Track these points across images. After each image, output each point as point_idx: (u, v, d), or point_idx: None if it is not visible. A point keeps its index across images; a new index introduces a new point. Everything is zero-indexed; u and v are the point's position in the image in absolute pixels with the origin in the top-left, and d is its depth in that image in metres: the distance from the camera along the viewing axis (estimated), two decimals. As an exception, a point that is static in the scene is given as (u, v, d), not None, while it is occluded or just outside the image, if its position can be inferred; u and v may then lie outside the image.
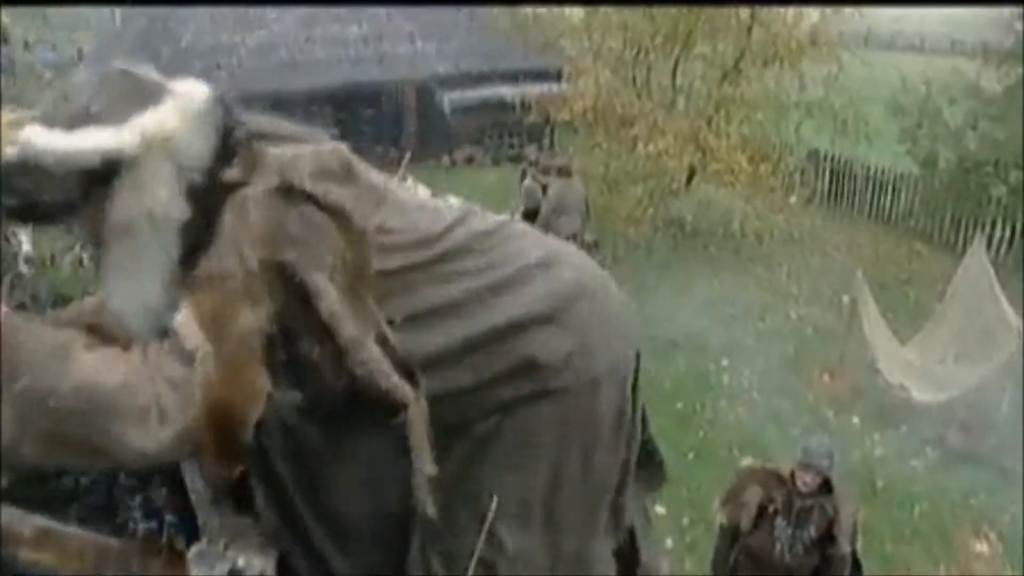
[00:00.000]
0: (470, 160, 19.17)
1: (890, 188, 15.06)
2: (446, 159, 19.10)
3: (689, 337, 10.41)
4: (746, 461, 5.46)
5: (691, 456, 8.10)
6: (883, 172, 15.10)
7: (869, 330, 8.89)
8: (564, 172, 11.17)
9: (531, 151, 14.42)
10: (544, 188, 11.51)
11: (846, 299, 11.65)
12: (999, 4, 14.16)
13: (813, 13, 13.51)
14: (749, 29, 13.15)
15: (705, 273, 12.70)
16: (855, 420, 8.71)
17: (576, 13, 14.90)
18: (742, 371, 9.62)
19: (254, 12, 17.81)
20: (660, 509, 7.38)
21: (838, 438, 8.43)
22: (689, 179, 13.74)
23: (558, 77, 18.24)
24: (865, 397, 8.98)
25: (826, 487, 4.82)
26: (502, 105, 17.61)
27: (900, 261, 13.36)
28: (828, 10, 13.35)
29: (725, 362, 9.82)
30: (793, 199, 15.11)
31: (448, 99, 18.47)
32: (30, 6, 29.97)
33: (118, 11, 30.41)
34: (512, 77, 18.57)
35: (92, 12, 35.90)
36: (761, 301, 11.73)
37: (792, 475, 4.84)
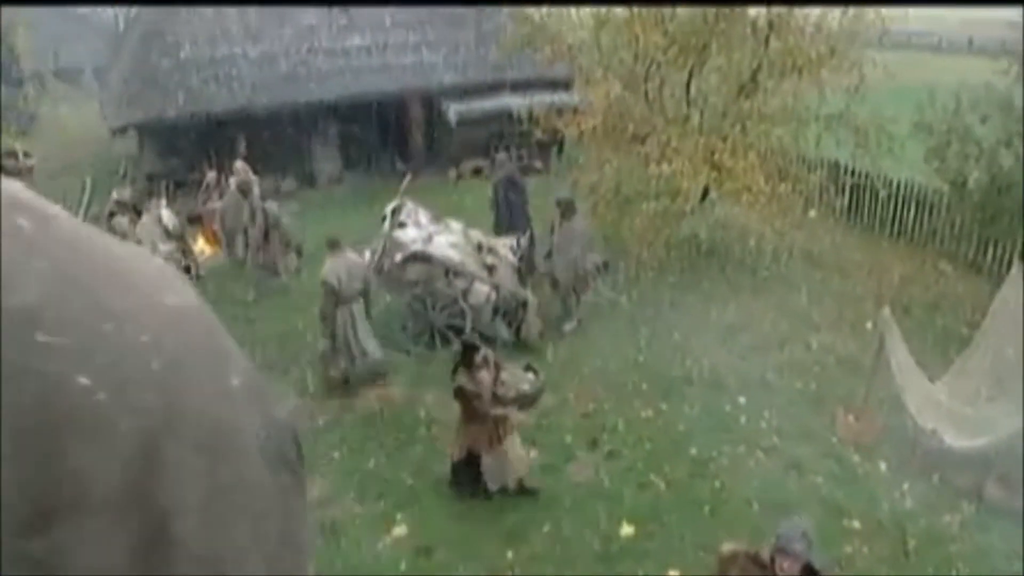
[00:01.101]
0: (477, 172, 18.65)
1: (913, 204, 14.38)
2: (452, 172, 18.60)
3: (704, 372, 9.84)
4: (728, 546, 4.99)
5: (706, 510, 7.52)
6: (906, 187, 14.41)
7: (897, 368, 8.27)
8: (567, 206, 10.55)
9: (502, 158, 13.90)
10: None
11: (869, 325, 11.13)
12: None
13: (833, 21, 12.88)
14: (767, 39, 12.54)
15: (721, 296, 12.11)
16: (882, 467, 8.11)
17: (586, 21, 14.31)
18: (761, 411, 9.03)
19: (255, 23, 17.34)
20: (673, 573, 6.84)
21: (864, 487, 7.90)
22: (703, 197, 13.13)
23: (567, 87, 17.76)
24: (893, 441, 8.36)
25: (808, 571, 4.65)
26: (509, 116, 17.04)
27: (925, 282, 12.69)
28: (850, 14, 12.68)
29: (742, 400, 9.23)
30: (812, 213, 14.49)
31: (454, 110, 17.97)
32: (30, 6, 29.81)
33: (121, 17, 30.18)
34: (520, 87, 18.06)
35: (93, 15, 35.75)
36: (780, 329, 11.13)
37: (772, 561, 4.67)
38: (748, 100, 12.76)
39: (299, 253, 13.51)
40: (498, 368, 7.38)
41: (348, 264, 9.24)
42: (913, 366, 8.46)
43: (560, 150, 18.75)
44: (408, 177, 11.90)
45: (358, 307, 9.27)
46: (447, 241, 10.25)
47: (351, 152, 18.96)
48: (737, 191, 11.71)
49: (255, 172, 17.52)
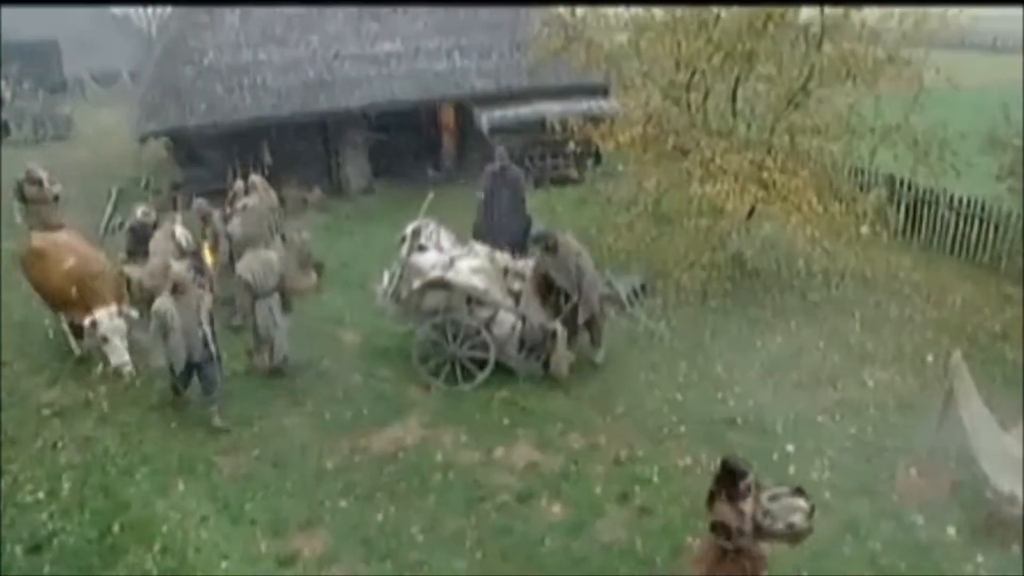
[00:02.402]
0: (511, 182, 17.84)
1: (976, 221, 13.29)
2: (485, 182, 17.85)
3: (748, 413, 8.98)
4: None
5: (750, 580, 6.69)
6: (969, 203, 13.33)
7: (968, 421, 7.34)
8: (548, 243, 9.60)
9: (500, 151, 13.12)
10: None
11: (931, 358, 10.19)
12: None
13: (892, 20, 11.86)
14: (819, 44, 11.60)
15: (767, 323, 11.23)
16: (951, 532, 7.18)
17: (625, 24, 13.44)
18: (811, 460, 8.15)
19: (280, 29, 16.77)
20: (711, 659, 6.02)
21: (930, 557, 7.00)
22: (749, 214, 12.22)
23: (605, 94, 16.95)
24: (963, 500, 7.42)
25: None
26: (544, 124, 16.28)
27: (991, 309, 11.65)
28: (911, 18, 11.66)
29: (790, 448, 8.34)
30: (865, 230, 13.48)
31: (487, 118, 17.23)
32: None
33: (155, 22, 30.03)
34: (556, 94, 17.30)
35: (122, 18, 35.79)
36: (831, 362, 10.20)
37: None
38: (798, 111, 11.84)
39: (319, 272, 12.90)
40: (759, 491, 5.75)
41: (263, 260, 9.66)
42: (987, 417, 7.54)
43: (597, 159, 17.94)
44: (430, 196, 11.18)
45: (275, 301, 9.66)
46: (470, 266, 9.48)
47: (381, 161, 18.33)
48: (787, 211, 10.78)
49: (280, 183, 17.06)
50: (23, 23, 31.39)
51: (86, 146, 24.01)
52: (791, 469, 8.03)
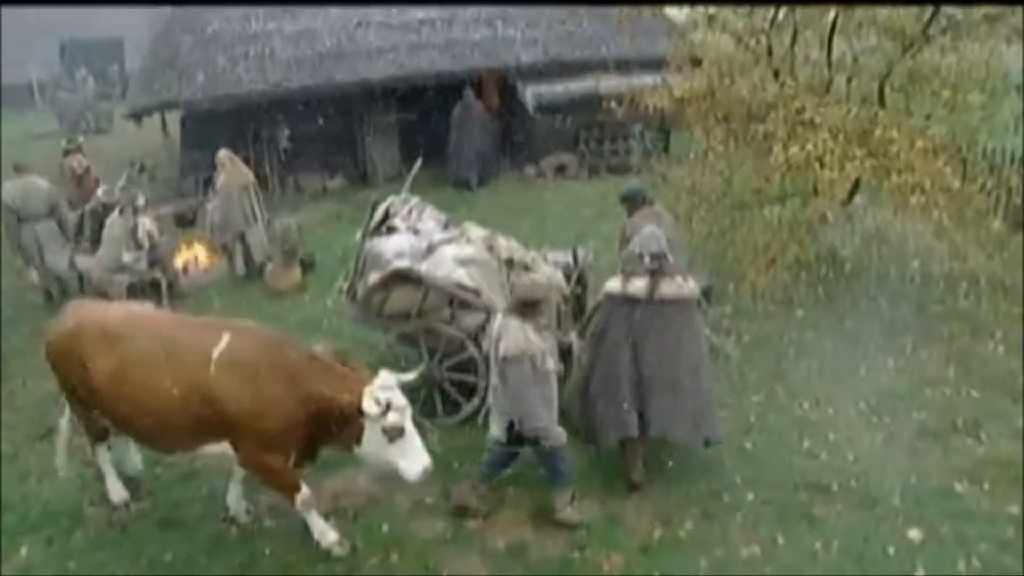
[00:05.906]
0: (561, 170, 15.46)
1: None
2: (531, 169, 15.38)
3: (848, 474, 6.14)
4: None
5: None
6: None
7: None
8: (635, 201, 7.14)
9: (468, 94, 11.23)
10: None
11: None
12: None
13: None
14: (947, -24, 8.72)
15: (872, 341, 8.33)
16: None
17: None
18: (950, 557, 5.29)
19: (300, -1, 14.72)
20: None
21: None
22: (852, 193, 9.38)
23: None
24: None
25: None
26: (597, 101, 13.72)
27: None
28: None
29: (914, 534, 5.50)
30: (997, 224, 10.40)
31: (533, 93, 14.77)
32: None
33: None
34: (612, 67, 14.70)
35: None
36: (967, 399, 7.27)
37: None
38: (915, 60, 8.94)
39: (305, 266, 10.69)
40: None
41: (27, 185, 9.97)
42: None
43: (666, 145, 15.26)
44: (418, 163, 8.70)
45: (45, 230, 10.03)
46: (456, 256, 6.86)
47: (413, 145, 16.00)
48: (904, 189, 7.87)
49: (298, 168, 14.99)
50: (88, 22, 30.92)
51: (122, 138, 22.66)
52: (919, 569, 5.21)
